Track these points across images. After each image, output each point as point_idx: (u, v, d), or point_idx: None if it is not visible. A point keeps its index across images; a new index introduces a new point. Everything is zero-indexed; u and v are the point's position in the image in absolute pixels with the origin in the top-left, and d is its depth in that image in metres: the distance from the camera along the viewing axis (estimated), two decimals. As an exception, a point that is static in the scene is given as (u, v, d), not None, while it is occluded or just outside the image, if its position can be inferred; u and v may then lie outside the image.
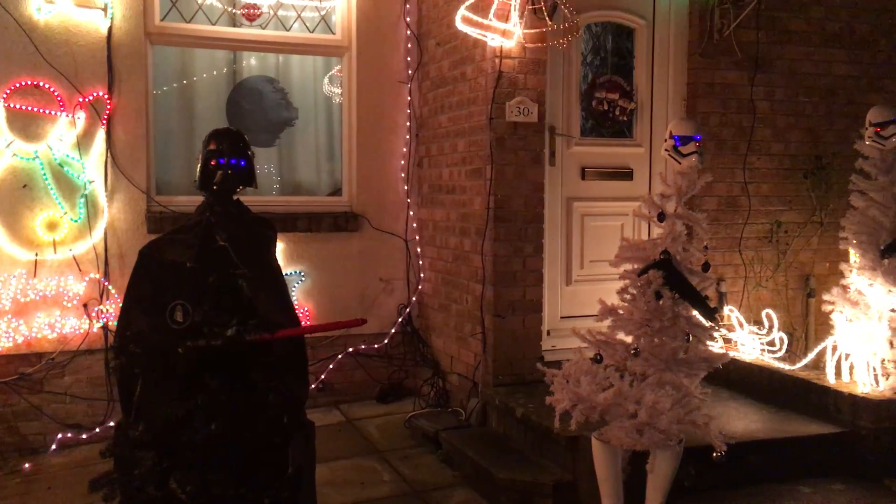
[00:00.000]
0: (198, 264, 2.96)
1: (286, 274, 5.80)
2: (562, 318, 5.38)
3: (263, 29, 5.92)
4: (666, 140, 3.77)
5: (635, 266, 3.73)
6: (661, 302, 3.60)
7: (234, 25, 5.88)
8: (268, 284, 3.07)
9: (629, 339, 3.64)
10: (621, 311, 3.69)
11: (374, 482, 4.56)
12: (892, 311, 4.21)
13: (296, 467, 3.03)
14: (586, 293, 5.25)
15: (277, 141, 6.16)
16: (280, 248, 5.84)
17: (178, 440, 2.87)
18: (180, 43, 5.78)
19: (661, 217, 3.69)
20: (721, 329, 5.28)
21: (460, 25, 4.93)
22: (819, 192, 5.70)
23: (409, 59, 6.15)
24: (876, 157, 4.39)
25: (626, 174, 5.54)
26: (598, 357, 3.66)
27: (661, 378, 3.61)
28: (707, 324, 3.69)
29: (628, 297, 3.70)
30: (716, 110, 5.62)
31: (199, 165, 3.17)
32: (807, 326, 5.81)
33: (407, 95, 6.17)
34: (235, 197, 3.22)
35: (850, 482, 4.08)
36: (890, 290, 4.20)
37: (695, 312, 3.68)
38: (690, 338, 3.62)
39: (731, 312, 5.37)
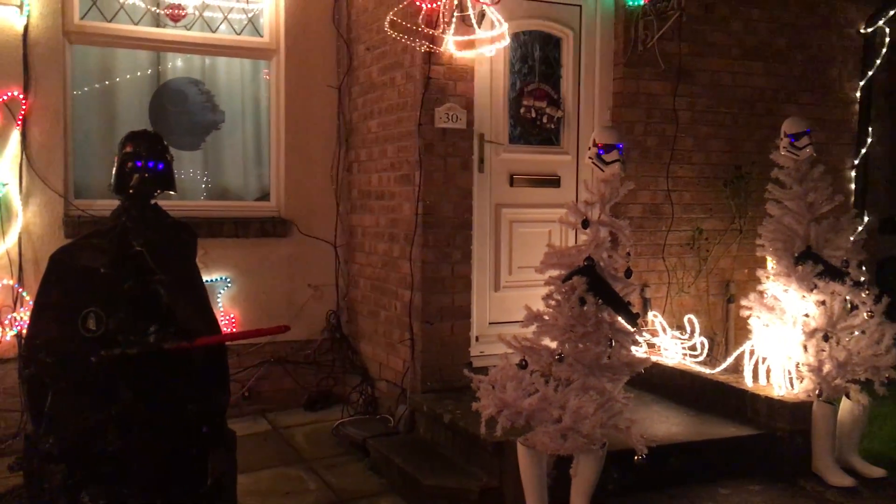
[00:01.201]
0: (112, 270, 2.87)
1: (211, 280, 5.73)
2: (490, 323, 5.40)
3: (188, 30, 5.80)
4: (590, 148, 3.83)
5: (560, 272, 3.78)
6: (584, 308, 3.64)
7: (158, 26, 5.74)
8: (187, 291, 3.00)
9: (554, 345, 3.68)
10: (546, 317, 3.73)
11: (299, 491, 4.50)
12: (806, 315, 4.34)
13: (215, 478, 2.96)
14: (515, 299, 5.27)
15: (203, 144, 6.03)
16: (205, 254, 5.75)
17: (90, 453, 2.77)
18: (101, 43, 5.61)
19: (586, 224, 3.74)
20: (644, 334, 5.39)
21: (389, 31, 4.92)
22: (738, 200, 5.86)
23: (338, 63, 6.11)
24: (791, 166, 4.54)
25: (553, 181, 5.60)
26: (524, 363, 3.68)
27: (585, 383, 3.65)
28: (630, 329, 3.75)
29: (553, 302, 3.74)
30: (640, 119, 5.74)
31: (115, 168, 3.08)
32: (727, 331, 5.97)
33: (336, 100, 6.13)
34: (153, 201, 3.13)
35: (767, 482, 4.20)
36: (803, 296, 4.34)
37: (618, 318, 3.74)
38: (613, 343, 3.67)
39: (655, 318, 5.49)
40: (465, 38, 4.96)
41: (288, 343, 5.99)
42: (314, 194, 6.12)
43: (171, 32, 5.74)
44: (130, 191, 3.03)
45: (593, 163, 3.78)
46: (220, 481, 2.99)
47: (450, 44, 4.95)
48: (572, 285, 3.66)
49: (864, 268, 4.54)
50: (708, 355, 5.17)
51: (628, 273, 3.72)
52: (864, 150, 6.43)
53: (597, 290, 3.66)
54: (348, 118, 6.14)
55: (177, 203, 5.76)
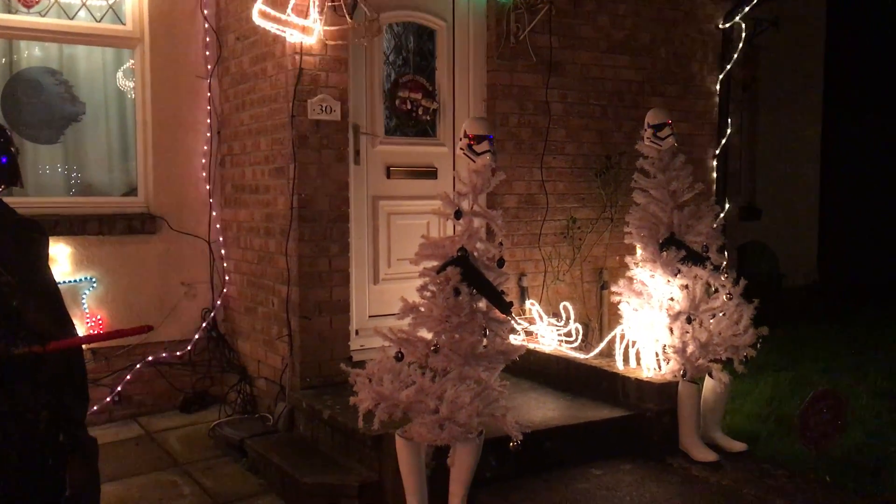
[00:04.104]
0: (-48, 272, 2.66)
1: (75, 280, 5.44)
2: (370, 317, 5.37)
3: (43, 16, 5.47)
4: (461, 139, 3.84)
5: (435, 263, 3.78)
6: (459, 298, 3.67)
7: (10, 12, 5.39)
8: (37, 292, 2.81)
9: (430, 336, 3.69)
10: (422, 309, 3.73)
11: (172, 497, 4.34)
12: (671, 299, 4.53)
13: (73, 490, 2.80)
14: (394, 291, 5.23)
15: (62, 137, 5.70)
16: (67, 253, 5.48)
17: (-70, 469, 2.57)
18: (-56, 28, 5.22)
19: (458, 214, 3.76)
20: (521, 322, 5.50)
21: (258, 20, 4.80)
22: (609, 190, 6.05)
23: (207, 53, 5.91)
24: (654, 156, 4.71)
25: (430, 173, 5.62)
26: (399, 355, 3.67)
27: (461, 373, 3.68)
28: (503, 317, 3.80)
29: (428, 294, 3.75)
30: (514, 111, 5.83)
31: (-47, 163, 2.86)
32: (601, 317, 6.16)
33: (207, 91, 5.93)
34: (-2, 197, 2.92)
35: (638, 461, 4.36)
36: (668, 281, 4.52)
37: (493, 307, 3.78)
38: (488, 332, 3.71)
39: (532, 306, 5.60)
40: (338, 28, 4.90)
41: (160, 344, 5.78)
42: (186, 189, 5.91)
43: (23, 19, 5.40)
44: (-29, 187, 2.82)
45: (465, 153, 3.80)
46: (78, 493, 2.83)
47: (321, 34, 4.87)
48: (446, 276, 3.67)
49: (725, 252, 4.78)
50: (583, 341, 5.32)
51: (501, 262, 3.76)
52: (723, 141, 6.75)
53: (470, 280, 3.69)
54: (220, 110, 5.96)
55: (35, 200, 5.46)
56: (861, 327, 7.82)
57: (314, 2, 4.81)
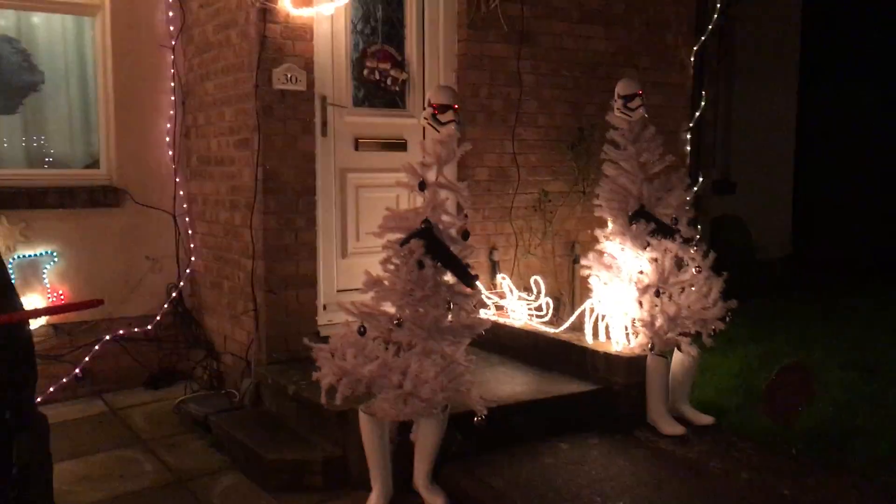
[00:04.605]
0: None
1: (35, 255, 5.32)
2: (338, 291, 5.28)
3: (-1, -18, 5.29)
4: (425, 108, 3.75)
5: (399, 236, 3.71)
6: (423, 271, 3.60)
7: (-37, -23, 5.22)
8: (-20, 266, 2.72)
9: (394, 310, 3.62)
10: (386, 282, 3.66)
11: (134, 474, 4.26)
12: (641, 273, 4.48)
13: (21, 465, 2.72)
14: (363, 266, 5.05)
15: (21, 108, 5.54)
16: (27, 227, 5.34)
17: None
18: None
19: (422, 186, 3.69)
20: (492, 296, 5.44)
21: (219, -14, 4.66)
22: (581, 162, 5.97)
23: (170, 20, 5.75)
24: (624, 127, 4.64)
25: (400, 145, 5.52)
26: (362, 329, 3.60)
27: (425, 347, 3.61)
28: (469, 291, 3.74)
29: (392, 267, 3.67)
30: (485, 82, 5.72)
31: None
32: (573, 291, 6.11)
33: (170, 60, 5.78)
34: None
35: (605, 435, 4.33)
36: (637, 254, 4.47)
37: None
38: (452, 306, 3.65)
39: (503, 280, 5.54)
40: (302, -5, 4.78)
41: (125, 319, 5.68)
42: (150, 161, 5.78)
43: (-23, -16, 5.23)
44: None
45: (429, 123, 3.72)
46: (27, 470, 2.75)
47: (285, 1, 4.74)
48: (410, 248, 3.60)
49: (699, 226, 4.73)
50: (554, 315, 5.27)
51: (466, 235, 3.69)
52: (697, 114, 6.70)
53: (435, 253, 3.62)
54: (184, 80, 5.81)
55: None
56: (834, 299, 7.84)
57: (277, -33, 4.68)
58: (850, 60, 10.14)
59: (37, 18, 5.58)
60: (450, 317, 3.67)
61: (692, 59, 6.68)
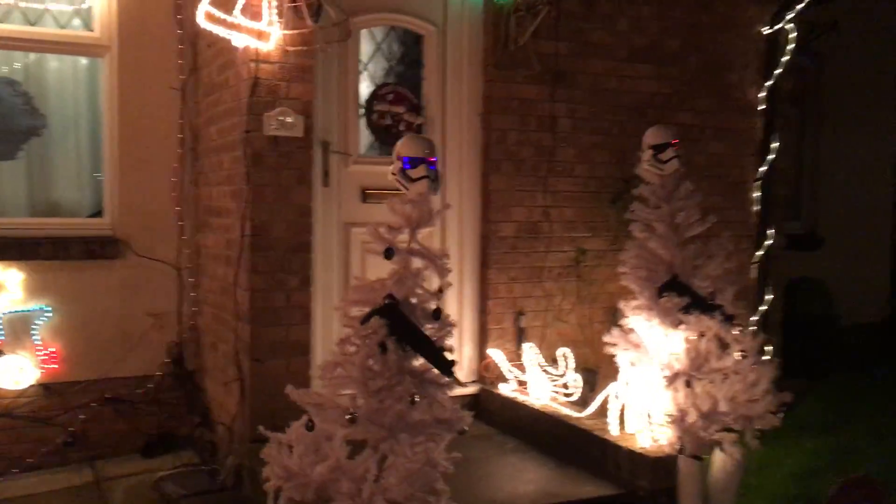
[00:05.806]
0: None
1: (27, 310, 4.99)
2: (339, 359, 4.72)
3: (2, 23, 5.06)
4: (393, 162, 3.18)
5: (365, 310, 3.13)
6: (385, 355, 3.00)
7: (-34, 18, 5.02)
8: None
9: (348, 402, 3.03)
10: (341, 368, 3.08)
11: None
12: (672, 355, 3.74)
13: None
14: (366, 331, 4.62)
15: (21, 153, 5.28)
16: (19, 280, 5.04)
17: None
18: None
19: (390, 253, 3.10)
20: (512, 369, 4.78)
21: (204, 23, 4.24)
22: (625, 217, 5.25)
23: (181, 62, 5.41)
24: (656, 182, 3.95)
25: (415, 197, 4.95)
26: (310, 424, 3.03)
27: (391, 447, 3.01)
28: (444, 380, 3.11)
29: (352, 348, 3.10)
30: (514, 127, 5.13)
31: None
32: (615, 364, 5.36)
33: (180, 104, 5.43)
34: None
35: (624, 553, 3.59)
36: (667, 333, 3.73)
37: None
38: (417, 398, 3.02)
39: (529, 349, 4.86)
40: (299, 32, 4.32)
41: (122, 380, 5.27)
42: (154, 210, 5.40)
43: (-22, 26, 5.02)
44: None
45: (397, 179, 3.14)
46: None
47: (280, 39, 4.30)
48: (372, 328, 3.02)
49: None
50: (589, 392, 4.56)
51: (437, 314, 3.08)
52: (767, 163, 5.88)
53: (401, 334, 3.02)
54: (194, 124, 5.45)
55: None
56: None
57: (270, 3, 4.23)
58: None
59: (40, 59, 5.33)
60: (419, 411, 3.05)
61: (761, 100, 5.89)
